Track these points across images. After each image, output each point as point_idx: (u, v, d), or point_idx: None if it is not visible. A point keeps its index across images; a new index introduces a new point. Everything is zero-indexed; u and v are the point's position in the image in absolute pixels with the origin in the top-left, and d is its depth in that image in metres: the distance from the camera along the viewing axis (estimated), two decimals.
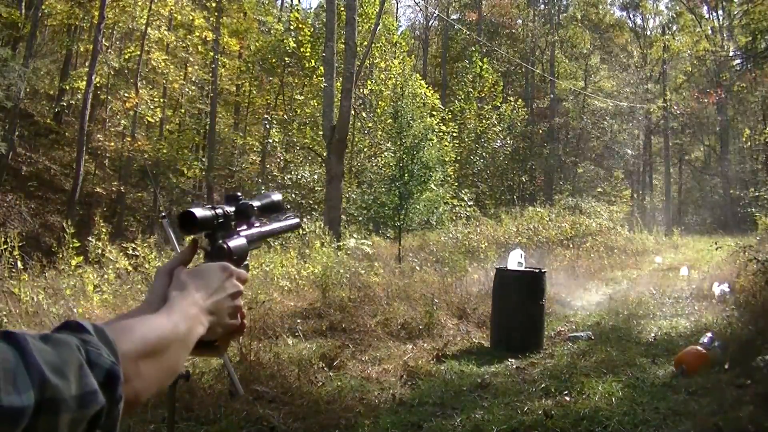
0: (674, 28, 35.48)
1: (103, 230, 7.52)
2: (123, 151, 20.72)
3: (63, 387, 0.55)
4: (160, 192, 19.71)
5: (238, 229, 0.98)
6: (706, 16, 33.98)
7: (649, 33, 37.39)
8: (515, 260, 7.28)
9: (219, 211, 0.93)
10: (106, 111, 21.46)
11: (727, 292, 8.76)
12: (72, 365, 0.57)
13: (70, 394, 0.55)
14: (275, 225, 1.09)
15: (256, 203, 1.03)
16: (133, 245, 7.55)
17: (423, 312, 7.17)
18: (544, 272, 7.08)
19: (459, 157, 23.05)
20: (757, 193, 13.83)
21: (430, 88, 23.07)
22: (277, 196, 1.09)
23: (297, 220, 1.16)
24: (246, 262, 0.97)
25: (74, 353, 0.58)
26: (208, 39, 22.88)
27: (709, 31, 33.22)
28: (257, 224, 1.03)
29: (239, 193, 1.00)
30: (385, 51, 23.35)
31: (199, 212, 0.90)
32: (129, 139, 20.83)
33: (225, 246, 0.93)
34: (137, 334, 0.68)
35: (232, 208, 0.97)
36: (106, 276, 6.85)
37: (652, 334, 7.14)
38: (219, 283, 0.85)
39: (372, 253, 10.91)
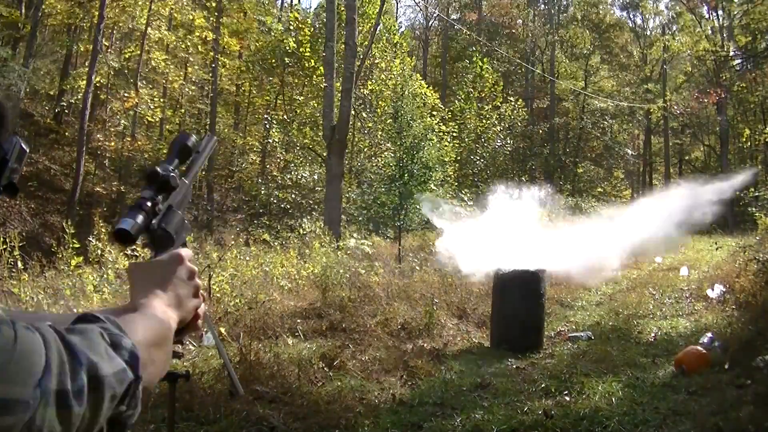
0: (674, 28, 35.47)
1: (103, 230, 7.52)
2: (123, 151, 20.72)
3: (103, 365, 0.63)
4: None
5: (168, 203, 0.96)
6: (706, 16, 33.97)
7: (649, 33, 37.39)
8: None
9: (147, 205, 0.92)
10: (106, 111, 21.45)
11: (723, 291, 8.75)
12: (101, 347, 0.65)
13: (109, 371, 0.63)
14: (196, 164, 1.07)
15: (171, 166, 0.99)
16: (133, 245, 7.54)
17: (423, 312, 7.17)
18: (544, 272, 7.08)
19: (459, 157, 23.04)
20: (757, 193, 13.81)
21: (430, 88, 23.07)
22: (188, 140, 1.03)
23: (213, 139, 1.12)
24: (186, 225, 0.97)
25: (100, 338, 0.65)
26: (208, 39, 22.87)
27: (709, 31, 33.21)
28: (180, 180, 1.00)
29: (157, 168, 0.96)
30: (385, 51, 23.35)
31: (130, 224, 0.89)
32: (129, 139, 20.83)
33: (165, 231, 0.94)
34: (144, 326, 0.76)
35: (153, 191, 0.94)
36: (105, 276, 6.85)
37: (652, 334, 7.14)
38: (173, 275, 0.89)
39: (372, 253, 10.91)
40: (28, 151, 0.82)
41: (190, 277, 0.91)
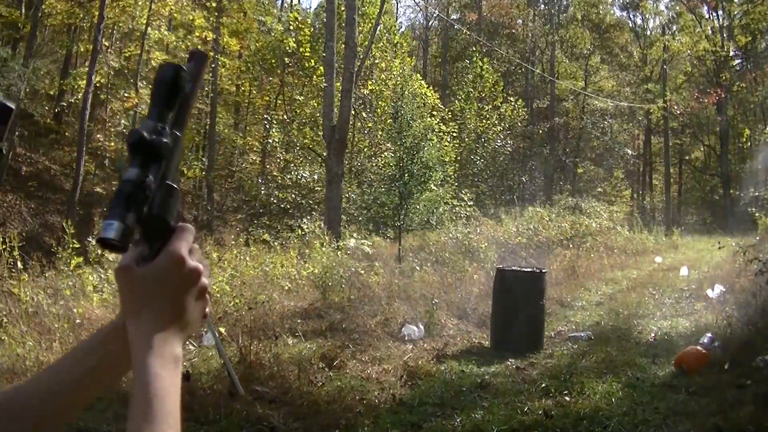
0: (674, 28, 35.48)
1: None
2: (123, 151, 20.72)
3: None
4: None
5: (159, 174, 0.72)
6: (706, 16, 33.99)
7: (649, 33, 37.41)
8: None
9: (136, 195, 0.69)
10: (106, 111, 21.45)
11: (723, 291, 8.75)
12: None
13: None
14: (189, 102, 0.79)
15: (160, 122, 0.74)
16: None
17: (423, 312, 7.18)
18: (544, 272, 7.08)
19: (459, 157, 23.03)
20: (757, 193, 13.82)
21: (430, 88, 23.06)
22: (176, 74, 0.75)
23: (204, 56, 0.82)
24: (177, 193, 0.74)
25: None
26: (208, 39, 22.88)
27: (709, 31, 33.22)
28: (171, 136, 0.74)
29: (141, 132, 0.71)
30: (385, 51, 23.35)
31: (116, 231, 0.67)
32: None
33: (160, 219, 0.71)
34: None
35: (141, 167, 0.71)
36: (105, 276, 6.85)
37: (652, 334, 7.14)
38: (174, 288, 0.70)
39: (372, 253, 10.90)
40: (13, 108, 0.71)
41: (195, 279, 0.72)
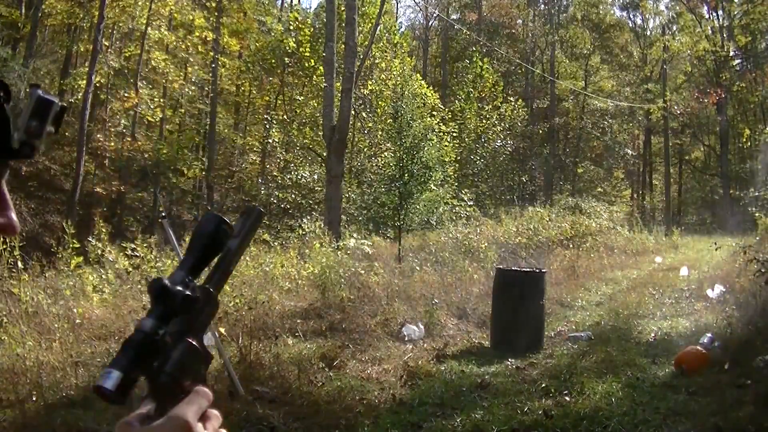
0: (674, 28, 35.48)
1: (103, 230, 7.53)
2: (123, 151, 20.72)
3: None
4: (160, 192, 19.69)
5: (181, 329, 0.66)
6: (706, 16, 33.98)
7: (649, 33, 37.41)
8: None
9: (145, 347, 0.63)
10: (106, 111, 21.45)
11: (723, 291, 8.75)
12: None
13: None
14: (233, 258, 0.73)
15: (190, 274, 0.68)
16: (133, 245, 7.56)
17: (423, 312, 7.18)
18: (544, 272, 7.08)
19: (459, 157, 23.02)
20: (757, 193, 13.79)
21: (430, 88, 23.06)
22: (218, 227, 0.70)
23: (257, 211, 0.78)
24: (205, 354, 0.69)
25: None
26: (208, 39, 22.88)
27: (709, 31, 33.21)
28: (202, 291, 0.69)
29: (164, 281, 0.66)
30: (385, 51, 23.34)
31: (113, 381, 0.61)
32: (129, 139, 20.84)
33: (172, 379, 0.65)
34: None
35: (158, 318, 0.65)
36: (105, 276, 6.85)
37: (652, 334, 7.14)
38: None
39: (372, 253, 10.89)
40: (57, 102, 0.67)
41: None
